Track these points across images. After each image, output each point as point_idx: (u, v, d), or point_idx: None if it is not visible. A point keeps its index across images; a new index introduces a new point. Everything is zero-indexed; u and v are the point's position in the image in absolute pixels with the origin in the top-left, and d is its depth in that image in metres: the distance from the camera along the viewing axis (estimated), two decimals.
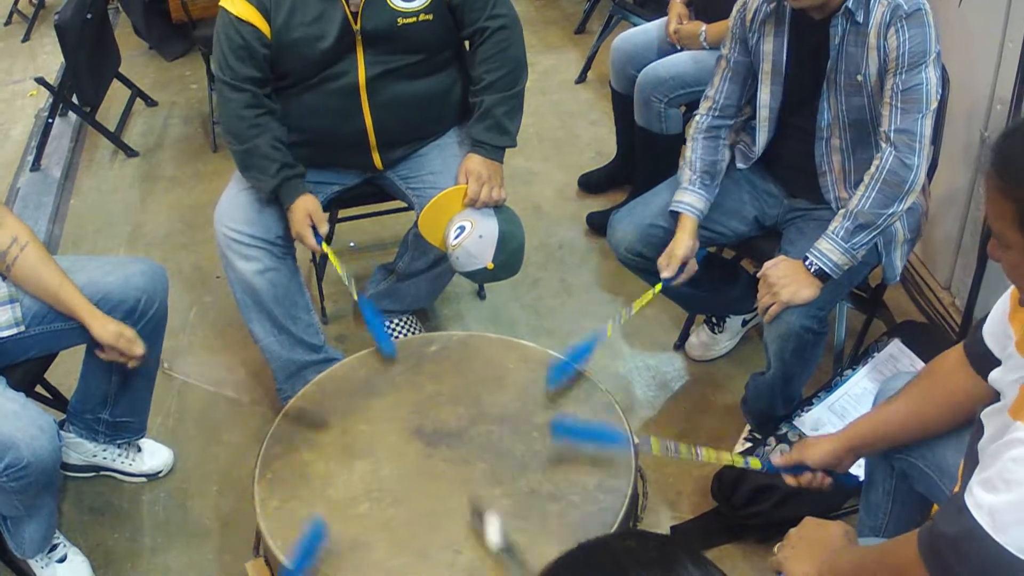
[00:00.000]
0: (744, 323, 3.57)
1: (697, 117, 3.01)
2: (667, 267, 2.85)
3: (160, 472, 3.24)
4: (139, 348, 2.73)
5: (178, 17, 5.68)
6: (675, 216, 2.93)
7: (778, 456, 2.31)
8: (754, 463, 2.38)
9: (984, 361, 1.90)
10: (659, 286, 2.87)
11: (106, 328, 2.70)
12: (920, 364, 2.98)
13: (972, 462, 1.71)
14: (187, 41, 6.07)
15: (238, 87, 2.97)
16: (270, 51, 2.95)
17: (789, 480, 2.30)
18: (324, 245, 3.00)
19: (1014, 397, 1.65)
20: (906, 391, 2.13)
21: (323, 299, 3.88)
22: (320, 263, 3.84)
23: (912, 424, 2.11)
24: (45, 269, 2.70)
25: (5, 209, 2.76)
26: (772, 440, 2.97)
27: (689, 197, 2.92)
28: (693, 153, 2.97)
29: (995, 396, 1.80)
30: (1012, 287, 1.85)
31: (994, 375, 1.83)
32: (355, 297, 2.95)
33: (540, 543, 2.13)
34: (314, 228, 2.99)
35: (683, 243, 2.87)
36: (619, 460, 2.32)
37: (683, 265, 2.86)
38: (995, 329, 1.89)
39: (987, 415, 1.77)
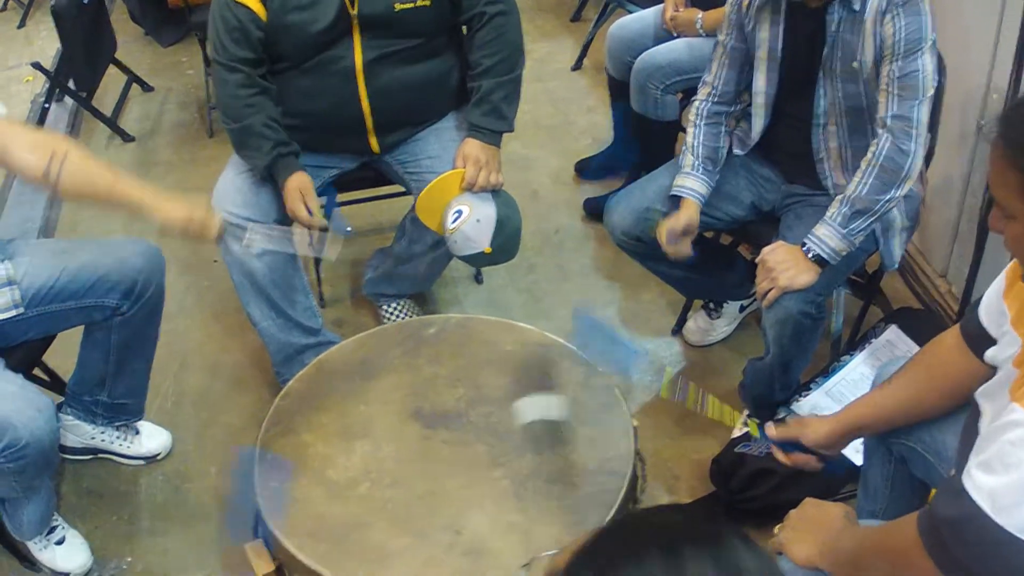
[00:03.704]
0: (741, 309, 3.57)
1: (697, 103, 3.02)
2: (671, 223, 2.87)
3: (158, 454, 3.24)
4: (214, 229, 2.70)
5: (174, 2, 5.65)
6: (674, 200, 2.94)
7: (774, 429, 2.31)
8: (752, 428, 2.38)
9: (980, 340, 1.91)
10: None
11: (176, 212, 2.64)
12: (917, 350, 2.99)
13: (968, 443, 1.72)
14: (183, 27, 6.02)
15: (232, 68, 2.98)
16: (265, 33, 2.95)
17: (779, 456, 2.30)
18: (316, 212, 3.01)
19: (1013, 377, 1.65)
20: (903, 373, 2.14)
21: (320, 283, 3.88)
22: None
23: (909, 405, 2.11)
24: (93, 171, 2.63)
25: (32, 130, 2.67)
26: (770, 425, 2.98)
27: (691, 182, 2.92)
28: (695, 139, 2.98)
29: (991, 376, 1.81)
30: (1007, 267, 1.86)
31: (991, 352, 1.85)
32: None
33: (539, 524, 2.15)
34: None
35: (686, 216, 2.89)
36: (618, 442, 2.33)
37: (681, 238, 2.87)
38: (990, 309, 1.90)
39: (982, 395, 1.78)
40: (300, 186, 3.00)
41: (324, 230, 2.98)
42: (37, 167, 2.56)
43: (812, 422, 2.26)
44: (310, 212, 2.99)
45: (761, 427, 2.35)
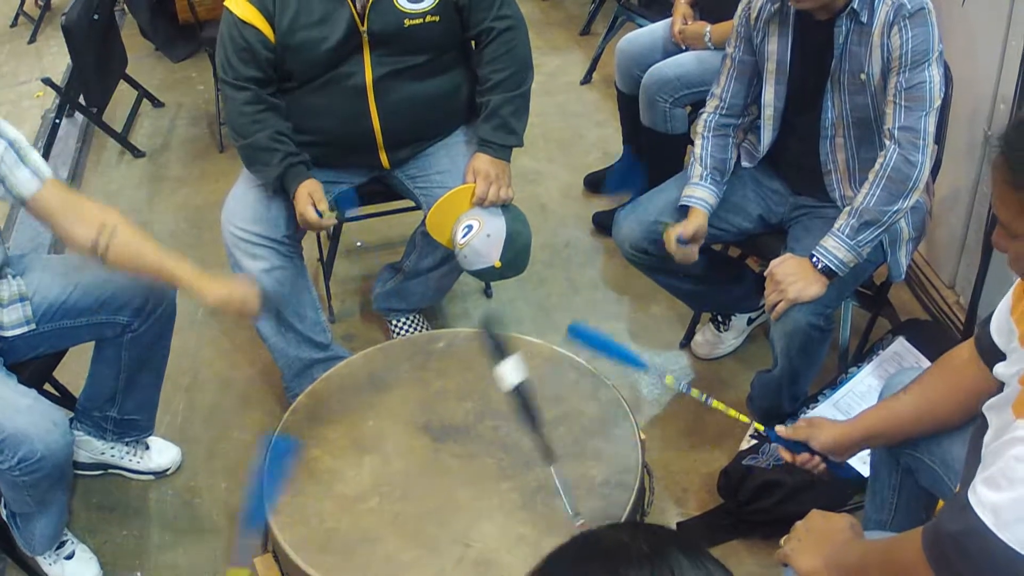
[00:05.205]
0: (750, 322, 3.58)
1: (705, 115, 3.03)
2: (680, 230, 2.88)
3: (168, 470, 3.25)
4: (254, 305, 2.67)
5: (185, 18, 5.69)
6: (682, 212, 2.94)
7: (784, 429, 2.30)
8: (758, 426, 2.37)
9: (992, 354, 1.91)
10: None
11: (216, 291, 2.62)
12: (925, 362, 2.99)
13: (976, 457, 1.72)
14: (194, 42, 6.07)
15: (240, 86, 2.99)
16: (274, 54, 2.96)
17: (784, 455, 2.29)
18: (326, 214, 3.00)
19: (1017, 393, 1.66)
20: (917, 384, 2.13)
21: (330, 298, 3.89)
22: (327, 263, 3.84)
23: (923, 417, 2.11)
24: (140, 249, 2.65)
25: (83, 200, 2.68)
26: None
27: (700, 192, 2.93)
28: (703, 150, 2.98)
29: (1001, 389, 1.81)
30: (1016, 283, 1.86)
31: (999, 368, 1.85)
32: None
33: (548, 537, 2.14)
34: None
35: (695, 223, 2.89)
36: (626, 455, 2.33)
37: (688, 244, 2.88)
38: (1000, 325, 1.90)
39: (989, 408, 1.78)
40: (310, 190, 3.00)
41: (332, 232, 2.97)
42: (85, 239, 2.60)
43: (824, 424, 2.24)
44: (319, 214, 2.99)
45: (769, 427, 2.33)
